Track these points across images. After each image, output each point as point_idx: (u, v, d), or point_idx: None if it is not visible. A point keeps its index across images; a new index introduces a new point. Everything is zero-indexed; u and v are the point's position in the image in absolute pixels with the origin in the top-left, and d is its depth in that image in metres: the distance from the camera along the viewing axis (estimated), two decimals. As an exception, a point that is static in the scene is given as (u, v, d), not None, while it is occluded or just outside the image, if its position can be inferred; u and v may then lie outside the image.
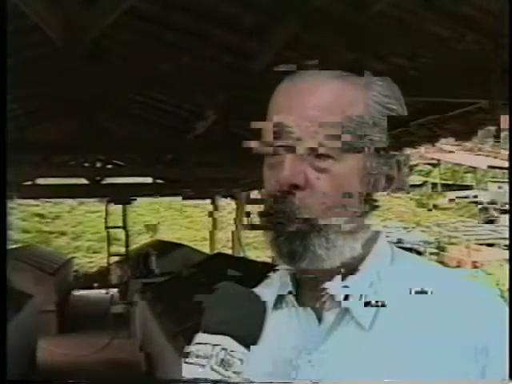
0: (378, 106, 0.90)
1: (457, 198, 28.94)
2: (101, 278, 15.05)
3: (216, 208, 13.57)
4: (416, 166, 33.62)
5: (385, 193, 0.93)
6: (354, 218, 0.90)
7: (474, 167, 32.32)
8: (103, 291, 12.51)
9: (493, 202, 26.93)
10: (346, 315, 0.90)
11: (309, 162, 0.87)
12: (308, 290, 0.94)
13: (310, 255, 0.88)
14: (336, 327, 0.90)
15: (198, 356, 0.82)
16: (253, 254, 12.24)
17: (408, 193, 27.42)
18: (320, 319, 0.92)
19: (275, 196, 0.88)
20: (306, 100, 0.87)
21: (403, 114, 0.93)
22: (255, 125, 0.89)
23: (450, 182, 33.19)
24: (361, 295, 0.89)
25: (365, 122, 0.89)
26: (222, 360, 0.81)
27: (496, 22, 3.60)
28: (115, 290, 11.56)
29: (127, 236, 11.55)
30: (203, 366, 0.81)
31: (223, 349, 0.82)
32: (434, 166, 33.76)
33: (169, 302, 6.03)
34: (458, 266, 18.47)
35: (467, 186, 32.63)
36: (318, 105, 0.87)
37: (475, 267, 18.41)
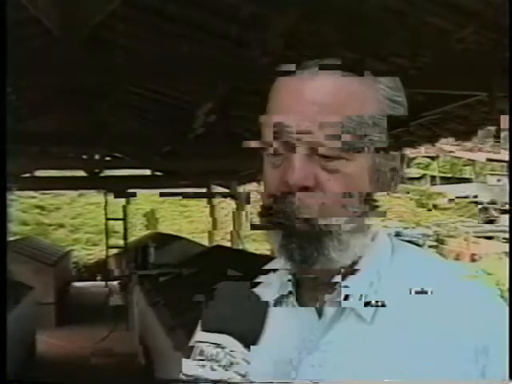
0: (387, 101, 0.89)
1: (457, 198, 28.94)
2: (100, 270, 15.08)
3: (213, 203, 13.59)
4: (415, 159, 33.65)
5: (384, 193, 0.93)
6: (354, 218, 0.89)
7: (473, 160, 32.33)
8: (102, 283, 12.53)
9: (493, 202, 26.94)
10: (346, 308, 0.89)
11: (319, 163, 0.86)
12: (308, 290, 0.94)
13: (323, 259, 0.87)
14: (337, 320, 0.90)
15: (198, 355, 0.82)
16: (251, 247, 12.25)
17: (408, 193, 27.49)
18: (320, 312, 0.91)
19: (277, 196, 0.87)
20: (308, 98, 0.86)
21: (405, 106, 0.92)
22: (260, 124, 0.88)
23: (449, 175, 33.21)
24: (361, 295, 0.88)
25: (365, 121, 0.88)
26: (224, 360, 0.81)
27: (497, 14, 3.59)
28: (114, 282, 11.57)
29: (126, 228, 11.56)
30: (203, 365, 0.81)
31: (224, 348, 0.81)
32: (433, 158, 33.77)
33: (167, 294, 6.04)
34: (456, 259, 18.51)
35: (466, 178, 32.65)
36: (322, 103, 0.85)
37: (473, 260, 18.46)
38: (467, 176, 33.16)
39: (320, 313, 0.92)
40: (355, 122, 0.87)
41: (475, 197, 28.25)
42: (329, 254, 0.87)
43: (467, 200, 28.56)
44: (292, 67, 0.88)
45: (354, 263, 0.92)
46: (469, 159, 32.64)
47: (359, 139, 0.88)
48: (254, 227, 0.90)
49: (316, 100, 0.86)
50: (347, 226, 0.88)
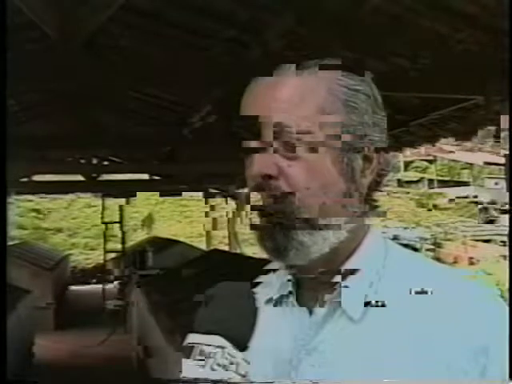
0: (342, 89, 0.89)
1: (457, 198, 28.97)
2: (98, 274, 15.09)
3: (213, 208, 13.61)
4: (412, 162, 33.75)
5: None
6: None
7: (471, 163, 32.41)
8: (100, 287, 12.51)
9: (493, 202, 26.98)
10: (337, 308, 0.90)
11: (279, 153, 0.87)
12: (308, 290, 0.94)
13: (295, 244, 0.87)
14: (328, 320, 0.90)
15: (198, 355, 0.82)
16: (249, 251, 12.23)
17: (408, 193, 27.47)
18: (311, 312, 0.92)
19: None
20: (267, 96, 0.88)
21: (373, 96, 0.92)
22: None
23: (447, 179, 33.29)
24: (362, 295, 0.89)
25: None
26: (223, 360, 0.81)
27: (492, 16, 3.61)
28: (112, 285, 11.57)
29: (123, 232, 11.55)
30: (203, 365, 0.81)
31: (223, 348, 0.82)
32: (431, 162, 33.86)
33: (165, 297, 6.04)
34: (454, 262, 18.52)
35: (464, 182, 32.73)
36: (278, 98, 0.87)
37: (471, 263, 18.49)
38: (465, 179, 33.24)
39: (311, 312, 0.92)
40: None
41: (475, 197, 28.30)
42: (298, 237, 0.87)
43: (467, 200, 28.60)
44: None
45: (346, 258, 0.92)
46: (466, 162, 32.72)
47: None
48: (253, 227, 0.90)
49: (264, 99, 0.88)
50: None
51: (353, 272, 0.91)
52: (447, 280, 0.91)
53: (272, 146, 0.87)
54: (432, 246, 20.88)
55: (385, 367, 0.84)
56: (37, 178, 11.25)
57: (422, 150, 25.77)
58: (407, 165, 33.40)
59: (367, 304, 0.88)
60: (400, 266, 0.92)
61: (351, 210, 0.90)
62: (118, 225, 11.65)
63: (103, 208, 11.77)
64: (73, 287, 14.68)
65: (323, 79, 0.89)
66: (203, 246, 13.26)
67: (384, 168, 0.93)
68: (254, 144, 0.88)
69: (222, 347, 0.81)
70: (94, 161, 10.31)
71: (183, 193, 13.80)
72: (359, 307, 0.88)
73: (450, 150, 30.81)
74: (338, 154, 0.88)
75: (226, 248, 12.93)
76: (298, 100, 0.87)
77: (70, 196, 20.93)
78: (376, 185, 0.94)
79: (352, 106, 0.89)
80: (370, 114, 0.90)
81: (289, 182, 0.87)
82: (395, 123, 5.53)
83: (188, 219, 23.20)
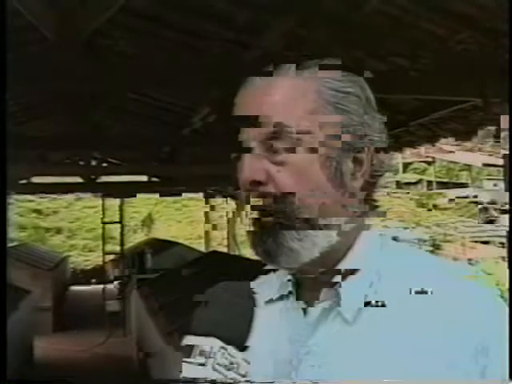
0: (331, 92, 0.89)
1: (457, 198, 28.96)
2: (97, 275, 15.09)
3: (213, 208, 13.62)
4: (411, 163, 33.75)
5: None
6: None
7: (469, 165, 32.39)
8: (99, 289, 12.52)
9: (493, 202, 26.96)
10: (333, 309, 0.89)
11: (267, 158, 0.88)
12: (308, 290, 0.94)
13: (285, 250, 0.87)
14: (323, 321, 0.90)
15: (198, 355, 0.82)
16: (248, 252, 12.21)
17: (408, 193, 27.44)
18: (305, 312, 0.92)
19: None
20: (257, 101, 0.89)
21: (366, 97, 0.92)
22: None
23: (446, 180, 33.26)
24: (356, 296, 0.88)
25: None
26: (223, 360, 0.81)
27: (492, 18, 3.61)
28: (111, 287, 11.56)
29: (122, 233, 11.53)
30: (203, 365, 0.81)
31: (222, 348, 0.82)
32: (429, 163, 33.84)
33: (164, 299, 6.03)
34: (453, 264, 18.53)
35: (462, 183, 32.71)
36: (270, 103, 0.88)
37: (470, 265, 18.50)
38: (463, 181, 33.22)
39: (305, 313, 0.92)
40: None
41: (475, 197, 28.30)
42: (288, 244, 0.87)
43: (467, 200, 28.59)
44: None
45: (339, 260, 0.91)
46: (465, 164, 32.71)
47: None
48: (247, 232, 0.90)
49: (255, 100, 0.89)
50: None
51: (352, 272, 0.91)
52: (446, 280, 0.90)
53: (265, 146, 0.88)
54: (431, 248, 20.88)
55: (384, 367, 0.84)
56: (36, 179, 11.23)
57: (422, 151, 25.78)
58: (406, 166, 33.39)
59: (367, 304, 0.88)
60: (396, 266, 0.92)
61: (350, 210, 0.90)
62: (117, 226, 11.64)
63: (103, 209, 11.75)
64: (72, 288, 14.69)
65: (311, 83, 0.89)
66: (202, 248, 13.25)
67: (378, 169, 0.93)
68: (248, 144, 0.89)
69: (223, 347, 0.82)
70: (94, 162, 10.31)
71: (183, 193, 13.81)
72: (353, 308, 0.88)
73: (449, 151, 30.78)
74: (327, 158, 0.88)
75: (225, 249, 12.92)
76: (288, 102, 0.87)
77: (70, 196, 20.92)
78: (370, 186, 0.93)
79: (342, 108, 0.89)
80: (362, 115, 0.90)
81: (277, 187, 0.87)
82: (395, 123, 5.53)
83: (188, 220, 23.22)
